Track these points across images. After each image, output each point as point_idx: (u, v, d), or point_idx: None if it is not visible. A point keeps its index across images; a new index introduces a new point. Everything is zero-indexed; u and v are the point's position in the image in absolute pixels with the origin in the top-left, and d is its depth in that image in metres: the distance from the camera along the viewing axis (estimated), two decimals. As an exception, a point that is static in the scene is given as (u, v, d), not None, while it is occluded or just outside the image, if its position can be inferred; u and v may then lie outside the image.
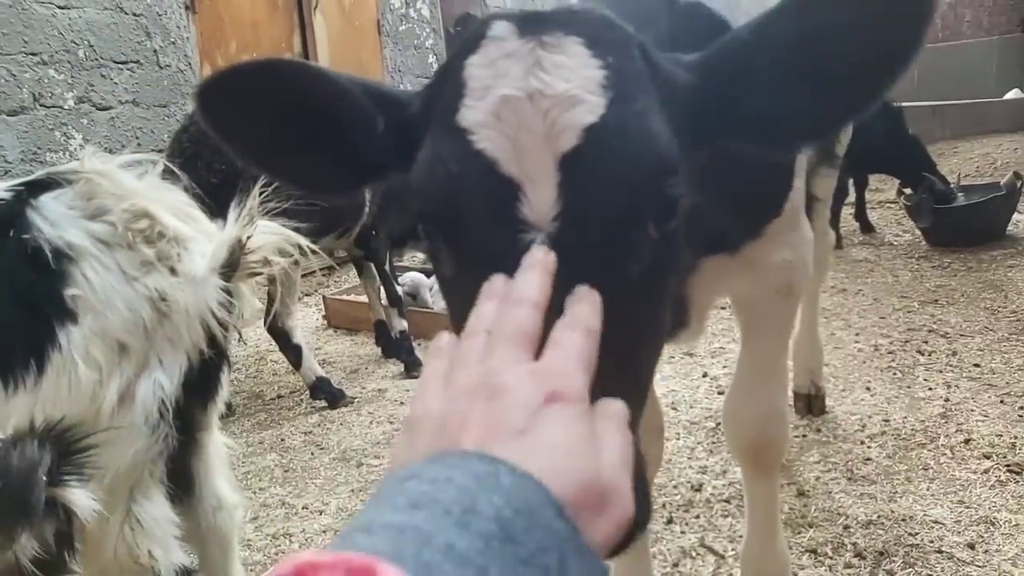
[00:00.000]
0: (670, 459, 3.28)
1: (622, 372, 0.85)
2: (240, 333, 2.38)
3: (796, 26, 0.92)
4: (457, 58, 0.94)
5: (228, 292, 2.05)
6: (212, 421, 2.31)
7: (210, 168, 3.81)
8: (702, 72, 0.98)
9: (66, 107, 5.81)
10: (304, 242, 2.27)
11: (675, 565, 2.64)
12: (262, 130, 1.06)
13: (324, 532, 3.12)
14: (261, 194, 2.13)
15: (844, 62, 0.92)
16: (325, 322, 5.99)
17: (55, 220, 1.91)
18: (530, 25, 0.91)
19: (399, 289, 4.90)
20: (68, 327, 1.86)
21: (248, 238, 2.05)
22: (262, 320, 4.18)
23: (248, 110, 1.04)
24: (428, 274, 5.83)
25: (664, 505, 2.97)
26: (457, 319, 0.91)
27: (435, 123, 0.94)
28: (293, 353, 4.37)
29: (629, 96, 0.88)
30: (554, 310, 0.76)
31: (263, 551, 3.03)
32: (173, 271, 1.98)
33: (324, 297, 6.15)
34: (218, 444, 2.41)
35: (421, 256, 7.14)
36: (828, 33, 0.90)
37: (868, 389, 3.84)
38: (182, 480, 2.26)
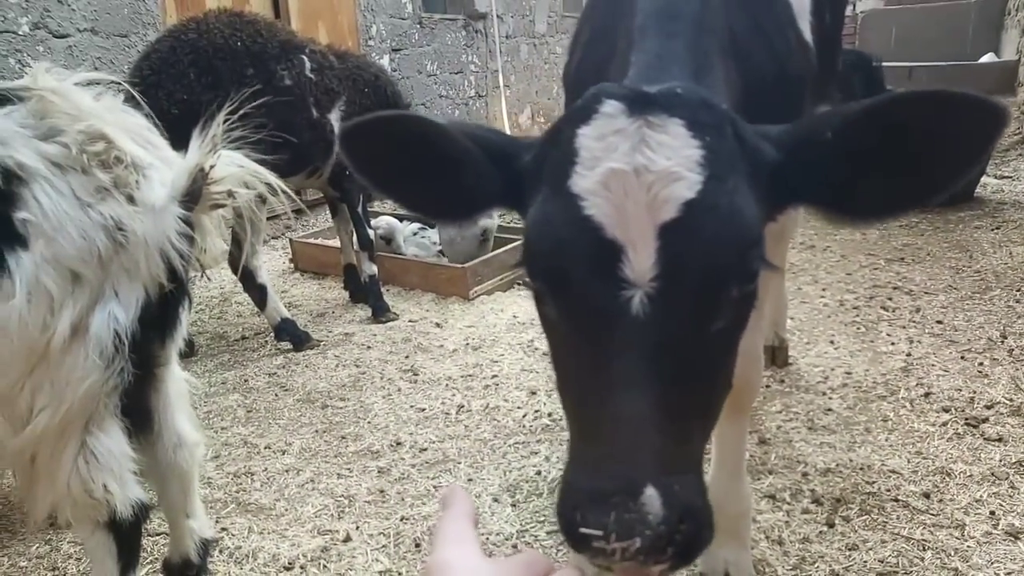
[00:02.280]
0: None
1: (703, 414, 1.05)
2: (203, 270, 2.31)
3: (882, 121, 1.01)
4: (569, 126, 1.07)
5: (189, 224, 1.97)
6: (171, 357, 2.24)
7: (171, 98, 3.67)
8: (787, 148, 1.09)
9: (20, 33, 5.54)
10: (272, 177, 2.19)
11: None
12: (391, 168, 1.21)
13: (287, 471, 3.10)
14: (225, 122, 2.04)
15: (920, 157, 1.01)
16: (292, 265, 5.89)
17: (5, 139, 1.80)
18: (638, 105, 1.03)
19: (371, 233, 4.82)
20: (18, 252, 1.77)
21: (211, 167, 1.97)
22: (228, 261, 4.09)
23: (382, 151, 1.19)
24: (402, 219, 5.74)
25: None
26: (557, 361, 1.12)
27: (547, 184, 1.07)
28: (257, 293, 4.29)
29: (722, 174, 1.00)
30: (649, 363, 0.94)
31: (224, 489, 3.01)
32: (131, 199, 1.89)
33: (291, 240, 6.05)
34: (178, 381, 2.35)
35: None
36: (910, 132, 1.00)
37: (832, 343, 3.89)
38: (140, 416, 2.20)
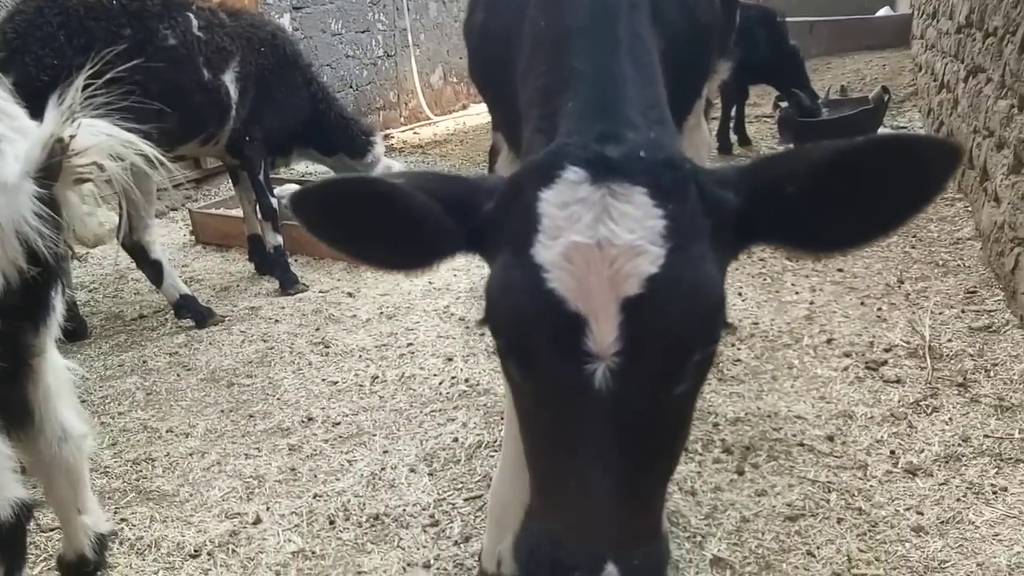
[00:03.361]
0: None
1: (666, 475, 1.08)
2: (73, 249, 2.13)
3: (845, 169, 1.02)
4: (531, 186, 1.05)
5: (50, 201, 1.80)
6: (47, 346, 2.07)
7: (39, 64, 3.37)
8: (747, 194, 1.09)
9: None
10: (146, 146, 2.02)
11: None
12: (348, 230, 1.18)
13: (191, 455, 2.96)
14: (87, 87, 1.87)
15: (876, 196, 1.03)
16: (193, 238, 5.62)
17: None
18: (600, 172, 1.01)
19: (275, 202, 4.60)
20: None
21: (71, 137, 1.79)
22: (119, 237, 3.85)
23: (336, 214, 1.17)
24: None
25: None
26: (520, 413, 1.13)
27: (509, 247, 1.06)
28: (152, 270, 4.05)
29: (686, 243, 1.00)
30: (612, 435, 0.96)
31: (122, 478, 2.85)
32: (-20, 177, 1.71)
33: (191, 211, 5.75)
34: (59, 370, 2.18)
35: (301, 167, 6.78)
36: (865, 174, 1.01)
37: (740, 294, 3.97)
38: (17, 410, 2.04)
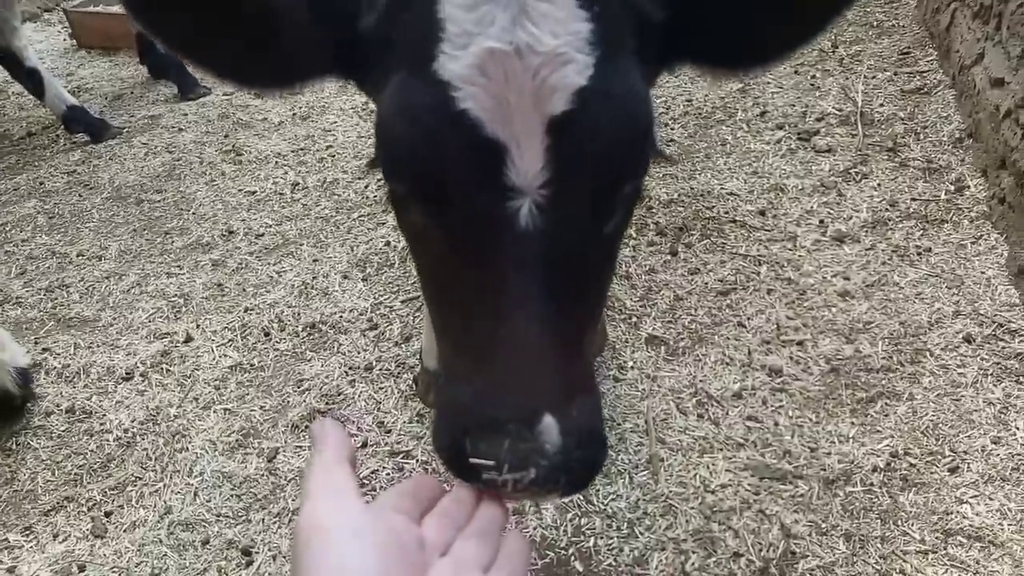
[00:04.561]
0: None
1: (595, 321, 0.98)
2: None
3: None
4: None
5: None
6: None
7: None
8: (673, 3, 0.95)
9: None
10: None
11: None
12: (189, 26, 0.94)
13: (107, 278, 2.81)
14: None
15: None
16: (74, 42, 5.03)
17: None
18: None
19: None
20: None
21: None
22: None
23: (175, 3, 0.93)
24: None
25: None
26: (425, 271, 1.00)
27: (404, 62, 0.87)
28: (30, 80, 3.63)
29: (614, 54, 0.86)
30: (540, 278, 0.83)
31: (37, 307, 2.71)
32: None
33: (66, 11, 5.11)
34: None
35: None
36: None
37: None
38: None
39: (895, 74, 3.43)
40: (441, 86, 0.82)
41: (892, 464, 1.86)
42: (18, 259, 2.97)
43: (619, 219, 0.95)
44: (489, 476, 0.78)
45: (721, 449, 1.96)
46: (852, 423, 1.98)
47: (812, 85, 3.47)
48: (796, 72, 3.59)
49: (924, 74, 3.38)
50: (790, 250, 2.56)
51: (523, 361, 0.84)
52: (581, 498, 1.88)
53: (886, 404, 2.01)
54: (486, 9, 0.81)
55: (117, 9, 4.80)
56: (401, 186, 0.92)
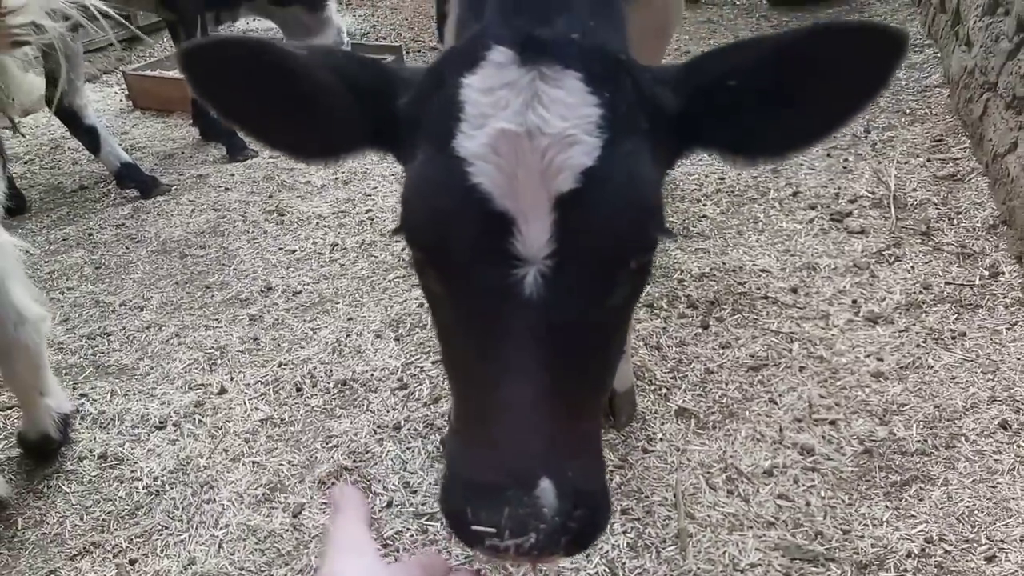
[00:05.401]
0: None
1: (600, 389, 1.01)
2: (12, 120, 1.93)
3: (787, 59, 0.94)
4: (452, 71, 0.93)
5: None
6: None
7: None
8: (686, 94, 1.00)
9: None
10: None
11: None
12: (241, 98, 1.02)
13: (147, 328, 2.88)
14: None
15: (816, 92, 0.96)
16: (130, 103, 5.27)
17: None
18: (530, 54, 0.90)
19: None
20: None
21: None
22: (51, 104, 3.56)
23: (229, 78, 1.00)
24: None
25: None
26: (442, 335, 1.03)
27: (428, 140, 0.94)
28: (87, 137, 3.80)
29: (622, 136, 0.90)
30: (543, 347, 0.87)
31: (78, 353, 2.78)
32: None
33: (125, 74, 5.37)
34: (7, 249, 2.06)
35: (241, 22, 6.32)
36: (806, 65, 0.94)
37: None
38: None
39: (928, 160, 3.47)
40: (457, 162, 0.89)
41: (927, 550, 1.82)
42: (63, 306, 3.06)
43: (625, 292, 0.97)
44: (491, 543, 0.81)
45: (751, 527, 1.92)
46: (886, 506, 1.94)
47: (844, 168, 3.52)
48: (828, 155, 3.65)
49: (957, 161, 3.41)
50: (822, 328, 2.56)
51: (522, 426, 0.86)
52: (608, 571, 1.85)
53: (921, 488, 1.97)
54: (502, 94, 0.89)
55: (173, 74, 5.04)
56: (419, 251, 0.97)
